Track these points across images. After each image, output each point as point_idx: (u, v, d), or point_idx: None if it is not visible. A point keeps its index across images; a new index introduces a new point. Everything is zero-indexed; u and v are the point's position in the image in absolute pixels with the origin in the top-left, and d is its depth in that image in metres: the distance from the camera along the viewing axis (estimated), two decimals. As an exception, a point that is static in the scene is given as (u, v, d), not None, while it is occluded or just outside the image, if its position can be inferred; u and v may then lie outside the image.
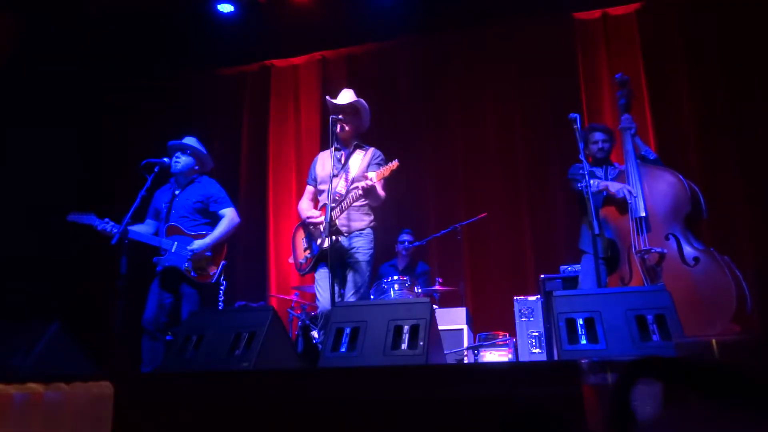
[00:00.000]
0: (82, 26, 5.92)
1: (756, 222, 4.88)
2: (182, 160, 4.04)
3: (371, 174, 3.31)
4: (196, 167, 4.13)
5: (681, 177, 3.42)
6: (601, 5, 5.75)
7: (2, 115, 5.15)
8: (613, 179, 3.70)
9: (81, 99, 6.05)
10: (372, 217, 3.62)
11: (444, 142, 6.04)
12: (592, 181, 3.41)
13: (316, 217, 3.53)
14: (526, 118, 5.78)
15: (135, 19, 6.03)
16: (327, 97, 3.67)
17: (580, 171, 3.71)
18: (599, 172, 3.81)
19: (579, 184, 3.58)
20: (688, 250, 3.23)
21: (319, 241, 3.51)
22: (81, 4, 5.79)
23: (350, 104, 3.63)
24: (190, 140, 4.15)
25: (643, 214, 3.35)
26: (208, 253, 3.89)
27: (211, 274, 3.91)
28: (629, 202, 3.40)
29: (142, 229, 3.96)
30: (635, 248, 3.32)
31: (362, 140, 3.77)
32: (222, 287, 4.12)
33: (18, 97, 5.31)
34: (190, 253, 3.81)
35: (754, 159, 4.98)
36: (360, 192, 3.32)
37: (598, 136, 3.85)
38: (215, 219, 4.04)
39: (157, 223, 4.05)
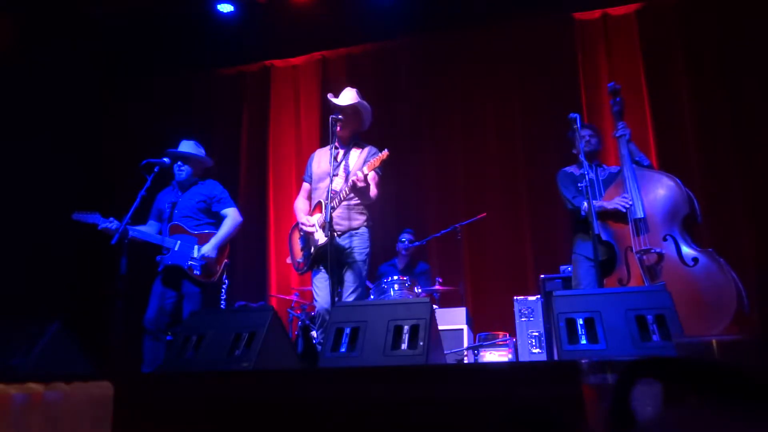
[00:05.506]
0: (82, 26, 5.92)
1: (756, 222, 4.88)
2: (185, 170, 4.08)
3: (363, 168, 3.31)
4: (197, 171, 4.16)
5: (678, 180, 3.43)
6: (601, 5, 5.75)
7: (2, 115, 5.15)
8: (603, 180, 3.71)
9: (81, 99, 6.05)
10: (367, 216, 3.62)
11: (444, 142, 6.04)
12: (584, 203, 3.45)
13: (310, 225, 3.52)
14: (526, 118, 5.78)
15: (135, 18, 6.03)
16: (329, 95, 3.67)
17: (573, 177, 3.72)
18: (590, 172, 3.74)
19: (572, 199, 3.63)
20: (686, 250, 3.24)
21: (315, 240, 3.51)
22: (81, 4, 5.79)
23: (351, 105, 3.62)
24: (187, 146, 4.15)
25: (641, 215, 3.37)
26: (215, 255, 3.91)
27: (213, 273, 3.92)
28: (627, 208, 3.41)
29: (145, 230, 3.97)
30: (635, 249, 3.32)
31: (361, 139, 3.77)
32: (224, 286, 4.14)
33: (18, 97, 5.30)
34: (202, 261, 3.83)
35: (754, 159, 4.98)
36: (350, 185, 3.32)
37: (584, 132, 3.81)
38: (218, 219, 4.08)
39: (160, 224, 4.07)
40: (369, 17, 6.04)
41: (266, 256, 6.17)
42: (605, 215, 3.50)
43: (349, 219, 3.54)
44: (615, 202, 3.46)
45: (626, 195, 3.45)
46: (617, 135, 3.71)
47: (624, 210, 3.42)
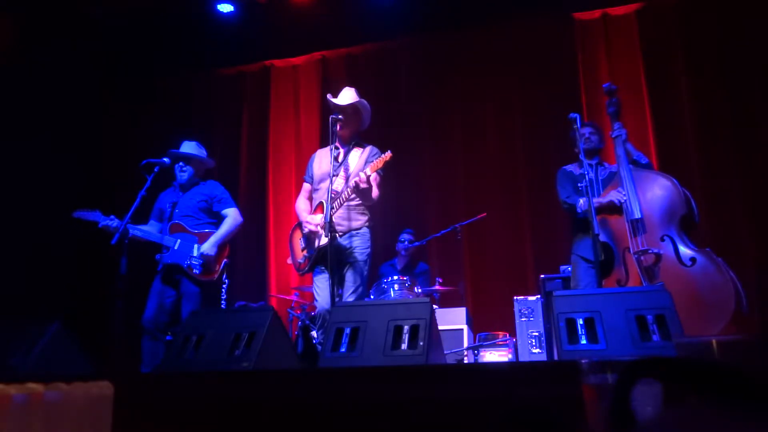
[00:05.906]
0: (82, 26, 5.92)
1: (756, 222, 4.88)
2: (187, 170, 4.09)
3: (366, 169, 3.31)
4: (199, 172, 4.18)
5: (675, 180, 3.42)
6: (601, 5, 5.75)
7: (2, 115, 5.15)
8: (602, 180, 3.72)
9: (81, 99, 6.05)
10: (368, 217, 3.63)
11: (444, 142, 6.04)
12: (581, 201, 3.51)
13: (313, 224, 3.52)
14: (526, 118, 5.78)
15: (135, 18, 6.03)
16: (328, 96, 3.67)
17: (572, 176, 3.74)
18: (590, 171, 3.75)
19: (566, 199, 3.68)
20: (684, 250, 3.23)
21: (316, 241, 3.51)
22: (81, 4, 5.79)
23: (351, 105, 3.62)
24: (189, 147, 4.16)
25: (638, 216, 3.36)
26: (214, 252, 3.91)
27: (213, 271, 3.93)
28: (622, 203, 3.41)
29: (145, 229, 3.98)
30: (632, 249, 3.31)
31: (362, 138, 3.77)
32: (224, 286, 4.14)
33: (18, 97, 5.30)
34: (202, 260, 3.84)
35: (754, 159, 4.98)
36: (353, 186, 3.31)
37: (584, 129, 3.82)
38: (219, 219, 4.09)
39: (161, 224, 4.08)
40: (369, 17, 6.04)
41: (266, 256, 6.17)
42: (600, 209, 3.49)
43: (350, 219, 3.54)
44: (609, 196, 3.48)
45: (621, 189, 3.45)
46: (613, 136, 3.71)
47: (618, 204, 3.42)
